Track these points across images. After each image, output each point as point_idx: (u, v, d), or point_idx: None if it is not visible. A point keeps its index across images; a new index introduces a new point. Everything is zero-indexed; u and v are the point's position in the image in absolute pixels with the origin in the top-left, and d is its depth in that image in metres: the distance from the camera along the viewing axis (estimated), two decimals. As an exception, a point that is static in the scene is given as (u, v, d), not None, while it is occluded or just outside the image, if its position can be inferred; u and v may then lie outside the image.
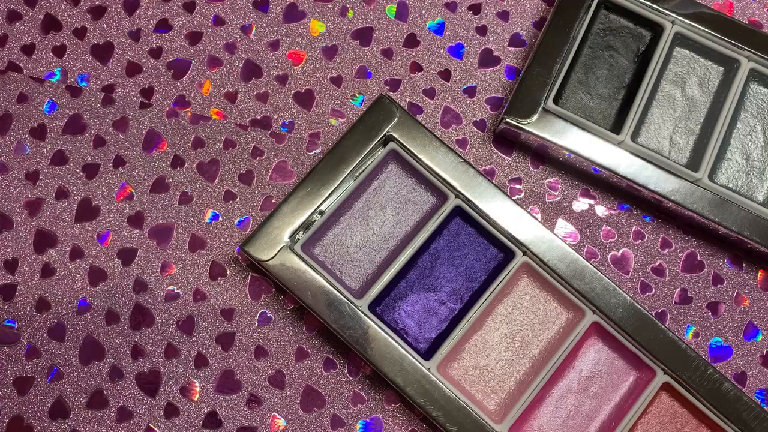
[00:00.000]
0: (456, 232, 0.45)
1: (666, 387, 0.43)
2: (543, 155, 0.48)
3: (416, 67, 0.49)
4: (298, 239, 0.43)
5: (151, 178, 0.47)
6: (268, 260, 0.43)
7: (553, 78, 0.46)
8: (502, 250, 0.44)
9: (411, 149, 0.44)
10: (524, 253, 0.43)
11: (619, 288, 0.43)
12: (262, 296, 0.46)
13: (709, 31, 0.47)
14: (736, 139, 0.47)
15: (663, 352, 0.42)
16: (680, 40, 0.47)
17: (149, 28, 0.50)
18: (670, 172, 0.45)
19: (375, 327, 0.42)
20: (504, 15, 0.50)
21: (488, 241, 0.44)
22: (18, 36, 0.49)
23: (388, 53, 0.49)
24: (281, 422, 0.44)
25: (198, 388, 0.45)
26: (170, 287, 0.46)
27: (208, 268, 0.46)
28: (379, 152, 0.45)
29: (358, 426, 0.44)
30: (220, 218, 0.47)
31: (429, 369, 0.42)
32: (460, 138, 0.48)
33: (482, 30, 0.50)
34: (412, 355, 0.42)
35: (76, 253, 0.46)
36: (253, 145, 0.48)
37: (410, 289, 0.44)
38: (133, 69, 0.49)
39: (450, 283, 0.44)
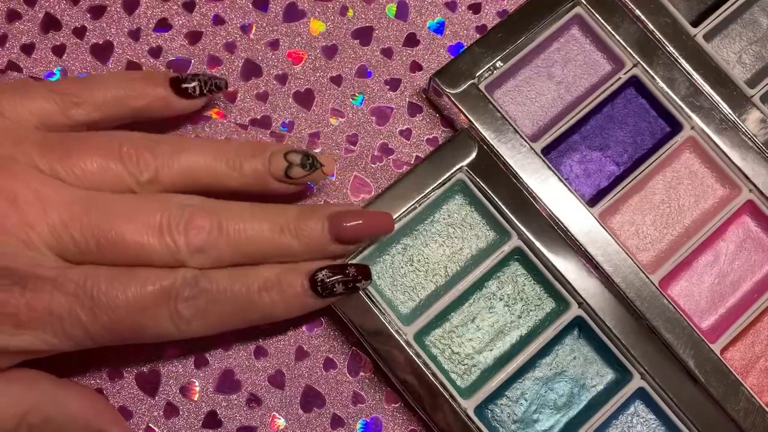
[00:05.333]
0: (630, 100, 0.47)
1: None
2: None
3: (416, 67, 0.49)
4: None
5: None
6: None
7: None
8: (670, 124, 0.47)
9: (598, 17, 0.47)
10: (692, 128, 0.46)
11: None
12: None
13: None
14: (802, 75, 0.48)
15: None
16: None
17: (149, 27, 0.49)
18: (725, 86, 0.46)
19: (548, 171, 0.45)
20: (504, 14, 0.50)
21: (658, 114, 0.47)
22: (18, 35, 0.49)
23: (388, 53, 0.49)
24: (281, 422, 0.44)
25: (198, 388, 0.45)
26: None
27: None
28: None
29: (358, 426, 0.44)
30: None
31: (593, 214, 0.44)
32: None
33: (482, 29, 0.50)
34: (579, 201, 0.44)
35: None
36: (253, 144, 0.48)
37: (581, 143, 0.47)
38: (132, 68, 0.49)
39: (618, 145, 0.47)
